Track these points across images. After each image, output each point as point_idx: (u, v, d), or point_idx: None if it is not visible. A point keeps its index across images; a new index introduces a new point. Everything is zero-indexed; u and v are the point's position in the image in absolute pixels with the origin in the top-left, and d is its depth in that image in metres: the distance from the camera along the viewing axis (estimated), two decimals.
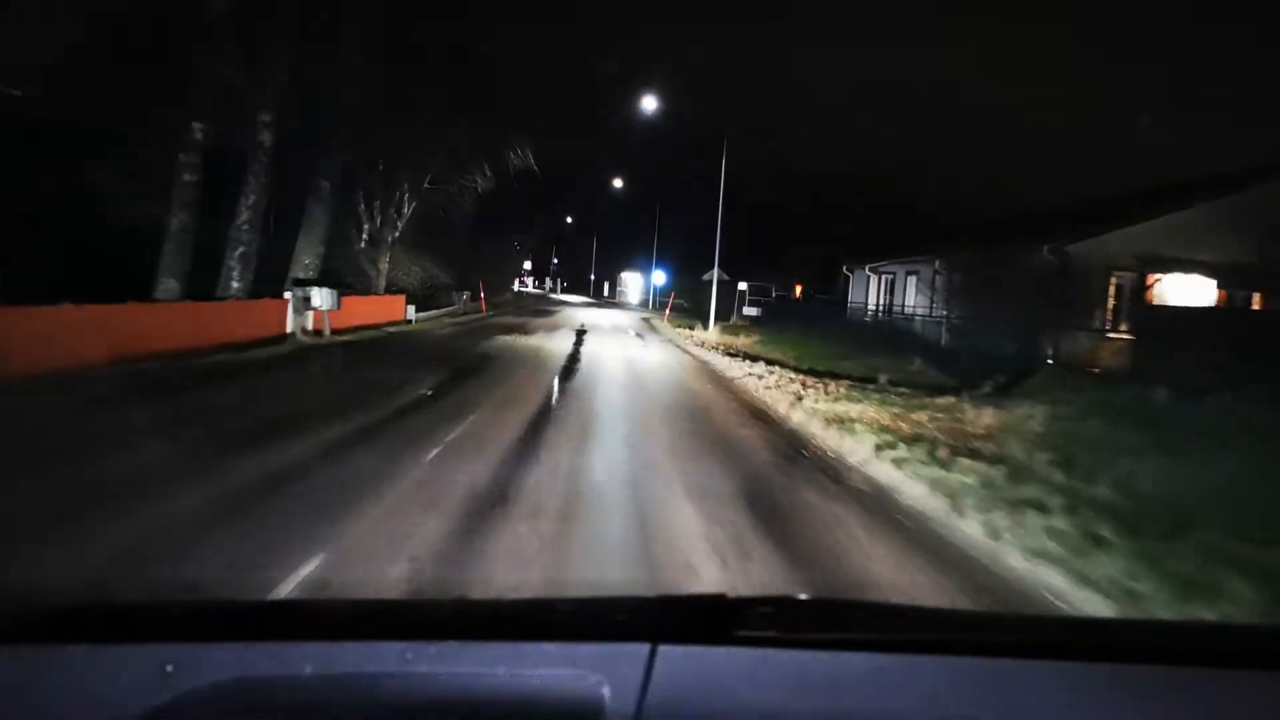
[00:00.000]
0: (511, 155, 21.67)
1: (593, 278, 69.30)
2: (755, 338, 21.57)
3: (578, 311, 34.07)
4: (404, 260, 24.46)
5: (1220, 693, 0.95)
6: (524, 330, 19.72)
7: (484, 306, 27.95)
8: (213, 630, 0.97)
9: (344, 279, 20.75)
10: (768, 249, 40.91)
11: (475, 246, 31.72)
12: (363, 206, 20.18)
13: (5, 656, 0.90)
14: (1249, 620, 3.17)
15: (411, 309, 21.37)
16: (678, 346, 18.18)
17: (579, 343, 16.77)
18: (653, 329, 25.10)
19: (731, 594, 1.07)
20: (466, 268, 30.20)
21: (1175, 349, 11.46)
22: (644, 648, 0.92)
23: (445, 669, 0.90)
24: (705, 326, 24.36)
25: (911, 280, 25.17)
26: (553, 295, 64.75)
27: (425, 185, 21.22)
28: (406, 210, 21.10)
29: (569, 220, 68.56)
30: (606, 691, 0.85)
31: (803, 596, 1.55)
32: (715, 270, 24.50)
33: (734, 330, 24.07)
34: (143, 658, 0.89)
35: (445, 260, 28.92)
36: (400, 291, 21.71)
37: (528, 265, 64.08)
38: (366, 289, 20.91)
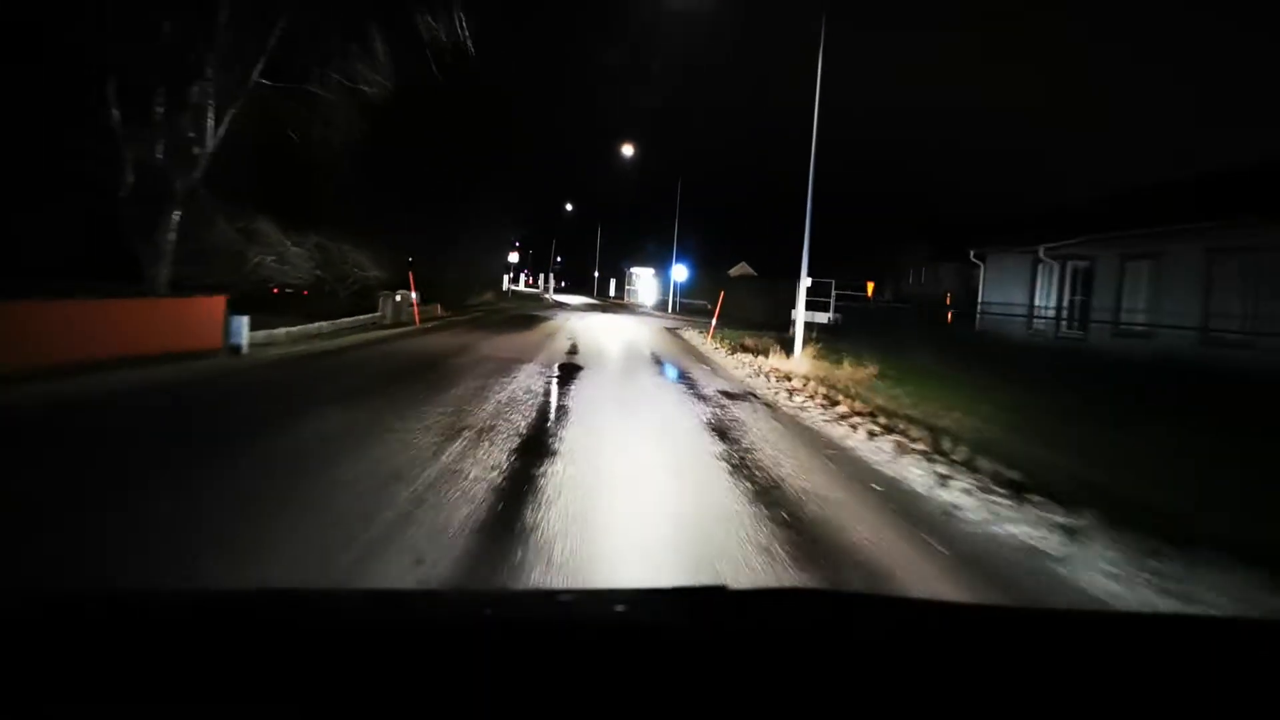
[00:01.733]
0: (430, 22, 10.97)
1: (596, 275, 58.83)
2: (870, 369, 11.52)
3: (573, 320, 23.48)
4: (272, 236, 14.01)
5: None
6: (431, 383, 8.53)
7: (418, 315, 17.41)
8: (219, 621, 0.92)
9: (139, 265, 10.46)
10: (815, 238, 31.20)
11: (445, 233, 21.99)
12: (115, 113, 9.63)
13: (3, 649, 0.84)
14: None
15: (243, 323, 10.84)
16: (802, 426, 7.56)
17: (542, 456, 5.81)
18: (696, 356, 14.56)
19: (733, 585, 1.01)
20: (431, 262, 21.40)
21: None
22: (644, 639, 0.89)
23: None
24: (784, 349, 13.88)
25: (1141, 268, 14.69)
26: (547, 296, 54.01)
27: (256, 78, 10.60)
28: (214, 126, 10.47)
29: (569, 207, 58.57)
30: (606, 683, 0.79)
31: (805, 589, 1.17)
32: (805, 253, 13.99)
33: (833, 357, 13.33)
34: (145, 649, 0.82)
35: (406, 245, 20.27)
36: (220, 291, 11.04)
37: (514, 258, 53.63)
38: (141, 278, 10.48)
